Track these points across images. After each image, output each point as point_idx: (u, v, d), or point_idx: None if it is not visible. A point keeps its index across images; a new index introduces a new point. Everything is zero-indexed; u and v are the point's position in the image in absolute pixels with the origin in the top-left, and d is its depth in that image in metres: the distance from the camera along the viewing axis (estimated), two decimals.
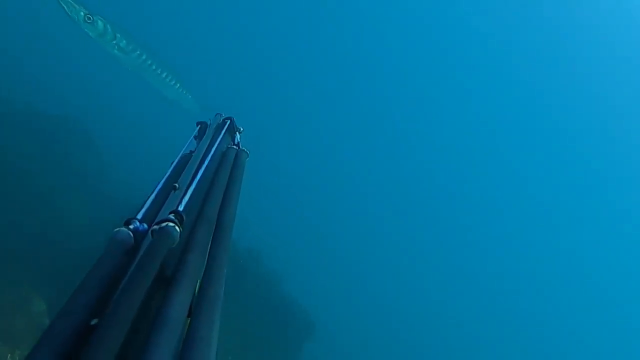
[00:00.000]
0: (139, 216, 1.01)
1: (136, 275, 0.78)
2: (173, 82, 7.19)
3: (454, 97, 27.15)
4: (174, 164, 1.35)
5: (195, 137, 1.63)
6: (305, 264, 13.94)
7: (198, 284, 0.91)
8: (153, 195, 1.13)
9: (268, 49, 23.60)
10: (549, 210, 27.33)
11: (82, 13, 5.99)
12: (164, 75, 7.01)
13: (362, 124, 25.24)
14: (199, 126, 1.70)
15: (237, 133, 1.72)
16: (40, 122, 7.90)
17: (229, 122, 1.69)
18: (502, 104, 27.43)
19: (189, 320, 0.81)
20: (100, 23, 6.17)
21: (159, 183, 1.20)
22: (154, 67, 6.84)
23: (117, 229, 0.93)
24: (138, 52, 6.60)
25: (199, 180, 1.19)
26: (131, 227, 0.96)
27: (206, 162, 1.32)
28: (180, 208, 1.00)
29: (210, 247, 1.04)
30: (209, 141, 1.53)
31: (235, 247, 7.99)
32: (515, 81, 27.03)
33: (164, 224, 0.91)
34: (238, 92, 20.31)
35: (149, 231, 0.95)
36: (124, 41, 6.44)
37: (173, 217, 0.94)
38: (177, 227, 0.91)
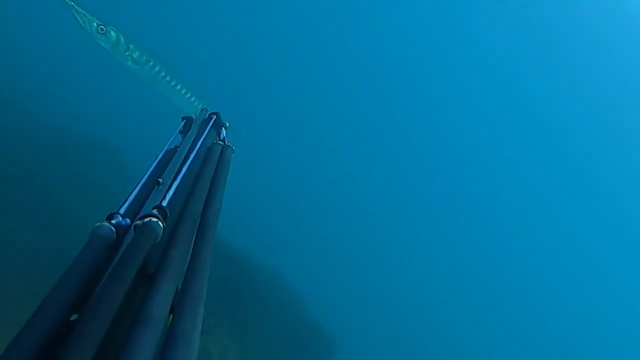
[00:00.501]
0: (122, 211, 0.99)
1: (118, 270, 0.76)
2: (188, 94, 6.95)
3: (456, 96, 27.09)
4: (158, 158, 1.33)
5: (180, 132, 1.61)
6: (323, 281, 13.73)
7: (181, 280, 0.89)
8: (136, 190, 1.11)
9: (272, 50, 23.41)
10: (550, 208, 27.32)
11: (95, 24, 5.79)
12: (178, 87, 6.77)
13: (365, 123, 25.01)
14: (184, 121, 1.66)
15: (223, 129, 1.70)
16: (66, 141, 7.91)
17: (215, 117, 1.66)
18: (504, 103, 27.39)
19: (171, 317, 0.80)
20: (113, 34, 5.97)
21: (142, 178, 1.18)
22: (167, 78, 6.62)
23: (99, 223, 0.90)
24: (152, 63, 6.39)
25: (183, 176, 1.18)
26: (113, 221, 0.94)
27: (191, 158, 1.30)
28: (164, 203, 0.99)
29: (193, 244, 1.02)
30: (194, 136, 1.50)
31: (256, 267, 7.80)
32: (516, 81, 26.93)
33: (147, 219, 0.90)
34: (238, 93, 20.09)
35: (132, 226, 0.93)
36: (137, 52, 6.23)
37: (156, 213, 0.92)
38: (160, 223, 0.90)
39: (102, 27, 5.83)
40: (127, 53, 6.14)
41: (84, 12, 5.65)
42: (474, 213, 25.36)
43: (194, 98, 7.00)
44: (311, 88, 24.32)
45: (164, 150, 1.39)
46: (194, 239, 1.04)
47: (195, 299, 0.84)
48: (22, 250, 5.17)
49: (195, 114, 1.73)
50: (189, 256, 0.97)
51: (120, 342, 0.70)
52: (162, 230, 0.90)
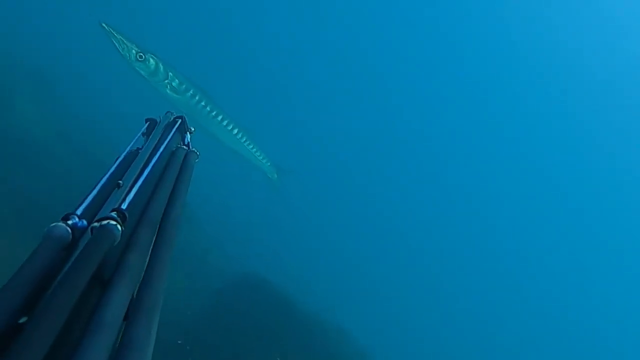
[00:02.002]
0: (79, 212, 0.94)
1: (72, 273, 0.73)
2: (230, 126, 6.52)
3: (459, 96, 26.96)
4: (119, 160, 1.29)
5: (143, 134, 1.55)
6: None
7: (137, 287, 0.87)
8: (95, 191, 1.06)
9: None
10: (555, 208, 26.79)
11: (133, 51, 5.52)
12: (219, 118, 6.36)
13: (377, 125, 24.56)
14: (148, 123, 1.62)
15: (188, 133, 1.67)
16: None
17: (180, 121, 1.64)
18: (509, 102, 27.40)
19: (124, 325, 0.77)
20: (152, 61, 5.68)
21: (101, 179, 1.14)
22: (208, 108, 6.23)
23: (54, 223, 0.86)
24: (191, 92, 6.03)
25: (144, 179, 1.14)
26: (69, 222, 0.89)
27: (153, 161, 1.26)
28: (124, 206, 0.95)
29: (152, 249, 0.99)
30: (157, 139, 1.46)
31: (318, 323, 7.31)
32: (516, 81, 27.02)
33: (105, 222, 0.86)
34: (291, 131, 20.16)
35: (89, 228, 0.88)
36: (177, 80, 5.91)
37: (115, 215, 0.89)
38: (118, 226, 0.87)
39: (141, 54, 5.55)
40: (166, 81, 5.83)
41: (122, 38, 5.39)
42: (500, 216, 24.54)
43: (236, 130, 6.57)
44: (313, 87, 23.91)
45: (125, 152, 1.34)
46: (152, 244, 1.01)
47: (151, 307, 0.81)
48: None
49: (160, 117, 1.66)
50: (147, 262, 0.95)
51: (71, 349, 0.67)
52: (120, 234, 0.87)
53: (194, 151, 1.55)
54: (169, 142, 1.45)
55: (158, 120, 1.64)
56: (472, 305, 17.15)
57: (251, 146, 6.83)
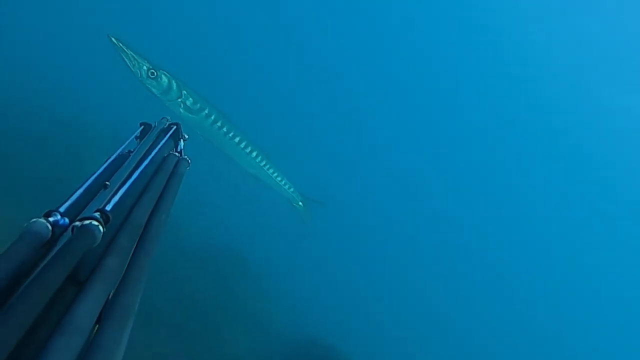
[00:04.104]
0: (62, 209, 0.92)
1: (47, 271, 0.72)
2: (249, 149, 6.01)
3: (459, 96, 27.06)
4: (109, 161, 1.25)
5: (136, 138, 1.52)
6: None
7: (113, 291, 0.85)
8: (81, 190, 1.04)
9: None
10: (555, 208, 26.91)
11: (145, 67, 5.12)
12: (236, 140, 5.87)
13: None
14: (142, 127, 1.58)
15: (182, 140, 1.66)
16: (203, 252, 8.47)
17: (174, 127, 1.63)
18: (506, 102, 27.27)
19: (96, 328, 0.75)
20: (164, 78, 5.27)
21: (89, 178, 1.11)
22: (224, 129, 5.75)
23: (34, 219, 0.84)
24: (206, 112, 5.58)
25: (132, 182, 1.13)
26: (51, 219, 0.87)
27: (143, 165, 1.25)
28: (108, 208, 0.94)
29: (132, 254, 0.97)
30: (150, 143, 1.43)
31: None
32: (516, 81, 26.80)
33: (87, 222, 0.86)
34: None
35: (70, 227, 0.87)
36: (191, 99, 5.47)
37: (98, 216, 0.88)
38: (100, 227, 0.86)
39: (152, 71, 5.15)
40: (179, 100, 5.39)
41: (133, 54, 5.00)
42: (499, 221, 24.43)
43: (255, 153, 6.04)
44: (313, 87, 23.82)
45: (116, 153, 1.32)
46: (133, 249, 0.98)
47: (125, 312, 0.79)
48: None
49: (155, 122, 1.64)
50: (126, 266, 0.91)
51: (38, 347, 0.66)
52: (101, 235, 0.85)
53: (185, 159, 1.53)
54: (161, 147, 1.43)
55: (153, 125, 1.62)
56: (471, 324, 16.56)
57: (272, 170, 6.28)
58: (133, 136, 1.53)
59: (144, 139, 1.48)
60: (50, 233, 0.84)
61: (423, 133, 26.50)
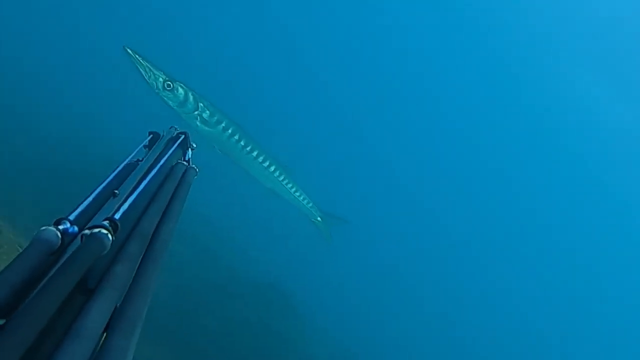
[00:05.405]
0: (71, 217, 0.92)
1: (56, 279, 0.72)
2: (267, 163, 5.77)
3: (460, 96, 27.07)
4: (118, 169, 1.26)
5: (145, 147, 1.52)
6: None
7: (121, 299, 0.85)
8: (90, 199, 1.03)
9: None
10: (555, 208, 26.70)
11: (161, 79, 4.96)
12: (254, 154, 5.64)
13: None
14: (151, 136, 1.59)
15: (190, 149, 1.66)
16: (247, 289, 8.46)
17: (183, 136, 1.63)
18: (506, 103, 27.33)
19: (105, 335, 0.75)
20: (181, 90, 5.10)
21: (98, 186, 1.11)
22: (242, 143, 5.53)
23: (44, 227, 0.84)
24: (223, 125, 5.38)
25: (141, 191, 1.13)
26: (60, 227, 0.87)
27: (152, 174, 1.25)
28: (117, 216, 0.94)
29: (141, 262, 0.97)
30: (158, 152, 1.44)
31: None
32: (516, 81, 26.83)
33: (96, 230, 0.85)
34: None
35: (79, 235, 0.87)
36: (208, 112, 5.28)
37: (107, 224, 0.88)
38: (109, 235, 0.86)
39: (168, 82, 4.98)
40: (196, 112, 5.21)
41: (149, 65, 4.84)
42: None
43: (273, 167, 5.81)
44: (314, 87, 23.80)
45: (124, 162, 1.31)
46: (142, 257, 0.99)
47: (133, 320, 0.80)
48: None
49: (164, 131, 1.66)
50: (134, 274, 0.92)
51: (47, 355, 0.67)
52: (110, 243, 0.85)
53: (193, 168, 1.56)
54: (169, 156, 1.45)
55: (161, 134, 1.63)
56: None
57: (290, 185, 6.02)
58: (142, 145, 1.54)
59: (152, 148, 1.50)
60: (60, 241, 0.85)
61: (423, 135, 26.69)
